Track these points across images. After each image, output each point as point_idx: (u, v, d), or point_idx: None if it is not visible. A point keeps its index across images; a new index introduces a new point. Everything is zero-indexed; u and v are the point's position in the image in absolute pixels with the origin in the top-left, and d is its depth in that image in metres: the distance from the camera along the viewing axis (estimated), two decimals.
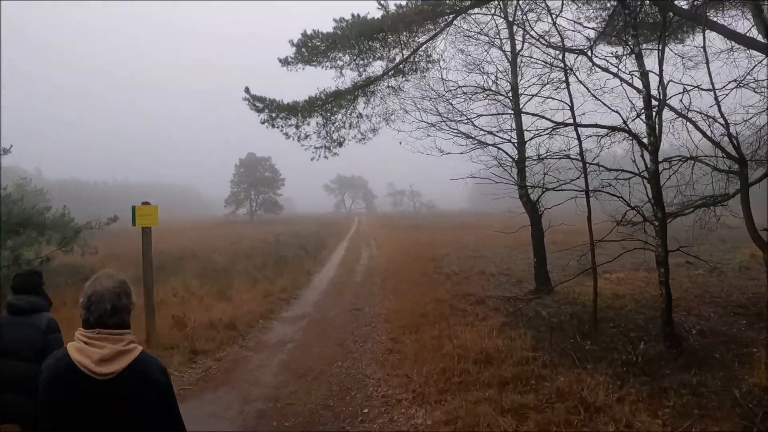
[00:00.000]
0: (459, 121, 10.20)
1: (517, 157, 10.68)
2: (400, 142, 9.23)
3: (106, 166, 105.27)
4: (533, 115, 8.20)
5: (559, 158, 7.98)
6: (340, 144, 10.59)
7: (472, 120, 9.78)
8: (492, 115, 9.27)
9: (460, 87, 8.64)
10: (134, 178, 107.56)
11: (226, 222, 53.24)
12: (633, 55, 6.89)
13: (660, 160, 6.49)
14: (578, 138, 7.26)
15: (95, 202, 75.81)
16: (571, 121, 7.39)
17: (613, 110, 6.63)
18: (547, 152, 8.38)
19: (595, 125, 7.44)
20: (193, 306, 9.49)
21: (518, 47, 9.87)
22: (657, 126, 6.25)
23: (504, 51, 10.34)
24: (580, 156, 7.25)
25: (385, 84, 10.17)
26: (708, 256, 12.05)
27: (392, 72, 10.95)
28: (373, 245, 23.77)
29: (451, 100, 9.59)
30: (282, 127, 10.10)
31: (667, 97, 6.52)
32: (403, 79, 11.22)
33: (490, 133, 10.33)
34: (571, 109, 7.32)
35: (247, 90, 10.20)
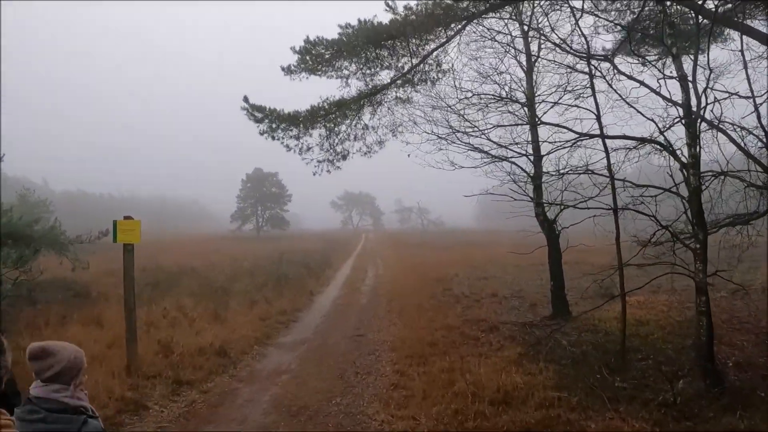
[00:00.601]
0: (470, 134, 9.67)
1: (533, 172, 10.05)
2: (409, 155, 8.62)
3: (112, 180, 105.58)
4: (553, 125, 7.53)
5: (581, 173, 7.29)
6: (344, 157, 10.01)
7: (486, 132, 9.20)
8: (506, 126, 8.66)
9: (474, 95, 8.02)
10: (140, 190, 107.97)
11: (232, 238, 52.75)
12: (662, 61, 6.29)
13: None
14: (605, 150, 6.58)
15: (99, 215, 76.19)
16: (595, 131, 6.75)
17: (648, 118, 5.96)
18: (566, 167, 7.71)
19: (624, 136, 6.78)
20: (184, 329, 8.82)
21: (534, 53, 9.31)
22: (697, 137, 5.58)
23: (519, 60, 9.78)
24: (608, 170, 6.56)
25: (393, 94, 9.62)
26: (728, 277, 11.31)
27: (401, 81, 10.44)
28: (380, 264, 23.05)
29: (462, 111, 9.04)
30: (282, 138, 9.55)
31: (701, 107, 5.89)
32: (412, 89, 10.71)
33: (504, 147, 9.77)
34: (598, 118, 6.67)
35: (245, 99, 9.69)
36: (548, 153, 8.73)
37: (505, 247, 30.13)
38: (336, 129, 9.66)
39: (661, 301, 11.13)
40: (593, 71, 7.01)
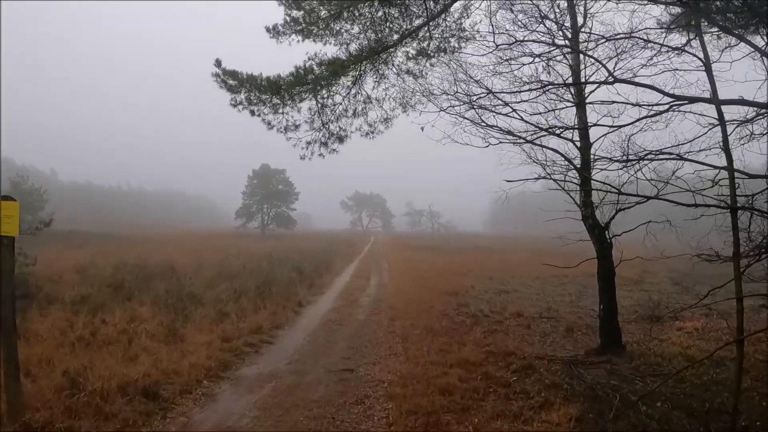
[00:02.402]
0: (499, 111, 7.49)
1: (579, 160, 7.83)
2: (422, 128, 6.45)
3: (120, 173, 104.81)
4: (632, 83, 5.22)
5: (671, 158, 4.98)
6: (340, 139, 7.83)
7: (521, 103, 7.01)
8: (551, 87, 6.40)
9: (514, 42, 5.76)
10: (148, 184, 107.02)
11: (236, 235, 50.90)
12: None
13: None
14: (721, 122, 4.29)
15: (104, 207, 75.19)
16: (704, 93, 4.47)
17: None
18: (643, 150, 5.40)
19: (743, 101, 4.49)
20: (116, 351, 6.69)
21: None
22: None
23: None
24: (726, 153, 4.26)
25: (403, 54, 7.41)
26: None
27: (413, 51, 8.25)
28: (386, 270, 20.77)
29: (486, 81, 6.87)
30: (262, 113, 7.39)
31: None
32: (427, 61, 8.51)
33: (545, 129, 7.60)
34: (707, 68, 4.37)
35: (217, 63, 7.51)
36: (610, 131, 6.48)
37: (522, 254, 27.88)
38: (329, 101, 7.46)
39: (721, 329, 9.12)
40: None
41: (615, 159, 5.77)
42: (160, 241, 36.79)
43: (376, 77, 7.48)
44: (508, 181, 6.51)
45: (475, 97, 8.14)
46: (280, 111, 7.17)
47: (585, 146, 7.86)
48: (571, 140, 7.95)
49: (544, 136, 8.08)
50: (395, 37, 7.07)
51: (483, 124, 7.82)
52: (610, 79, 5.14)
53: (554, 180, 8.57)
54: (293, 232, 57.48)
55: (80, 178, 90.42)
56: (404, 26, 8.12)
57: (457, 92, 7.83)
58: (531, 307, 12.02)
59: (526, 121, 7.72)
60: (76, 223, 48.63)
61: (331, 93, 7.29)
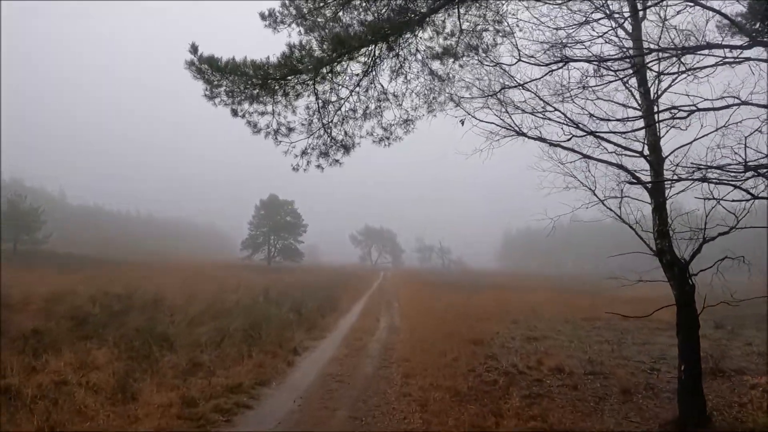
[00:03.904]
0: (547, 117, 5.97)
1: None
2: (462, 122, 4.84)
3: (130, 198, 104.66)
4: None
5: None
6: (346, 148, 6.20)
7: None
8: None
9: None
10: (159, 211, 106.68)
11: (241, 266, 49.16)
12: None
13: None
14: None
15: (111, 232, 74.20)
16: None
17: None
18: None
19: None
20: (40, 411, 4.94)
21: None
22: None
23: None
24: None
25: (430, 34, 5.85)
26: None
27: (439, 48, 6.73)
28: (397, 310, 18.77)
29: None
30: (247, 113, 5.83)
31: None
32: (455, 62, 6.99)
33: (596, 137, 6.04)
34: None
35: (193, 49, 5.95)
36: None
37: (542, 293, 25.70)
38: (332, 95, 5.87)
39: None
40: None
41: (731, 168, 4.07)
42: (161, 269, 35.18)
43: (395, 65, 5.87)
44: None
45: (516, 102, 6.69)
46: (270, 110, 5.60)
47: (657, 161, 6.18)
48: (641, 153, 6.28)
49: (597, 149, 6.51)
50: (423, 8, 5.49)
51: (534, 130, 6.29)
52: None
53: (611, 210, 6.98)
54: (300, 265, 55.65)
55: (89, 201, 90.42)
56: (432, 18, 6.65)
57: (497, 92, 6.34)
58: (569, 358, 10.09)
59: (581, 127, 6.14)
60: (79, 246, 47.48)
61: (335, 85, 5.71)
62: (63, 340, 8.24)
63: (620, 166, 6.20)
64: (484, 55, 6.88)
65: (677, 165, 5.72)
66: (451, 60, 6.94)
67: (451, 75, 7.01)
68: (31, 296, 12.71)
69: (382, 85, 5.70)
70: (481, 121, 6.83)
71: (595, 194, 7.13)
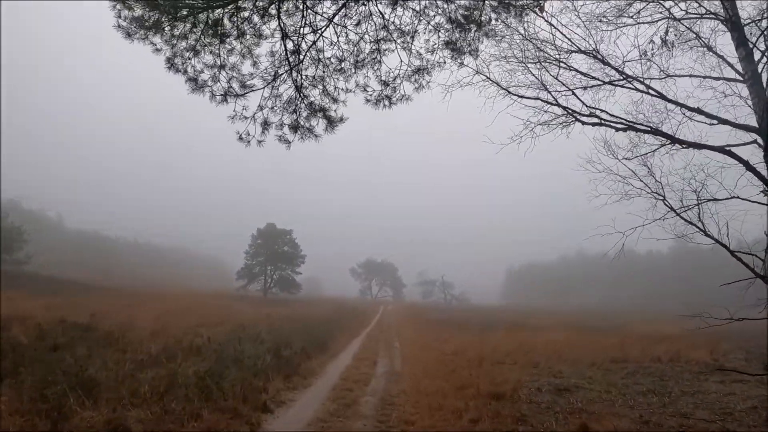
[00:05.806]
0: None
1: None
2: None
3: (131, 225, 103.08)
4: None
5: None
6: (326, 116, 4.24)
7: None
8: None
9: None
10: (159, 237, 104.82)
11: (236, 297, 46.83)
12: None
13: None
14: None
15: (110, 259, 72.26)
16: None
17: None
18: None
19: None
20: None
21: None
22: None
23: None
24: None
25: None
26: None
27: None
28: (397, 350, 16.38)
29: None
30: (182, 55, 3.94)
31: None
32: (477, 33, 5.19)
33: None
34: None
35: None
36: None
37: (559, 332, 23.26)
38: (306, 30, 3.95)
39: None
40: None
41: None
42: (148, 297, 32.95)
43: None
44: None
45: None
46: (216, 50, 3.71)
47: None
48: (756, 142, 4.34)
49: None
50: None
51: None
52: None
53: (690, 223, 5.12)
54: (297, 297, 53.19)
55: (87, 227, 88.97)
56: None
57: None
58: (616, 417, 7.94)
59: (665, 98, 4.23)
60: (70, 270, 45.51)
61: (312, 14, 3.78)
62: None
63: (729, 153, 4.26)
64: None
65: None
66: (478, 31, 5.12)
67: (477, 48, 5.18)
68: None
69: (382, 14, 3.74)
70: (522, 97, 4.98)
71: (666, 203, 5.25)
